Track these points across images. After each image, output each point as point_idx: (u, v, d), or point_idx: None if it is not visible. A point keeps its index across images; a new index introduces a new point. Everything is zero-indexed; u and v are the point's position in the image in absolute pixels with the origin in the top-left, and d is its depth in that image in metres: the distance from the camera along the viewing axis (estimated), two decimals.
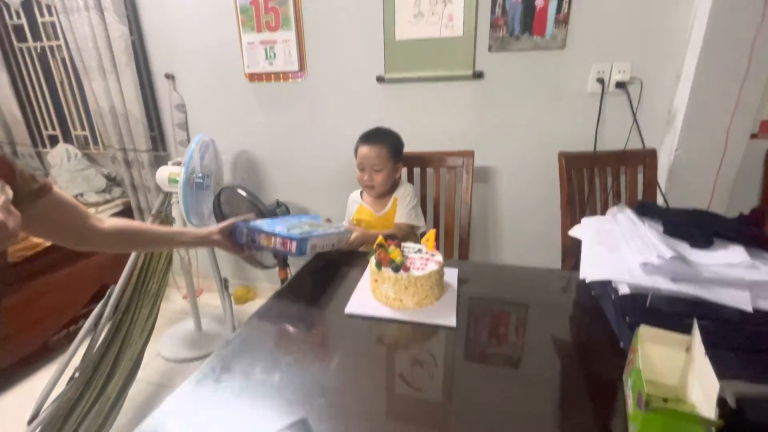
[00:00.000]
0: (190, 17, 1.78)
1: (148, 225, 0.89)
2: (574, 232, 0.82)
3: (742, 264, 0.59)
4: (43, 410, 1.38)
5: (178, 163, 1.67)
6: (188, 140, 1.97)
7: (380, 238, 0.86)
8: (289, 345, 0.73)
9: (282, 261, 1.75)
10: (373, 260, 0.82)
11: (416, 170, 1.48)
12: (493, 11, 1.43)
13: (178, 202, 1.66)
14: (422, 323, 0.75)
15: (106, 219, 0.79)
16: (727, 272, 0.59)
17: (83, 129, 2.22)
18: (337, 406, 0.58)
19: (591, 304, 0.79)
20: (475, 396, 0.59)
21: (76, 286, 1.88)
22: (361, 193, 1.35)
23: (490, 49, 1.49)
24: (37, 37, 2.07)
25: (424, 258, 0.83)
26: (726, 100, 1.30)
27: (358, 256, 1.06)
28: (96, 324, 1.58)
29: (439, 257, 0.84)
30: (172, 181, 1.64)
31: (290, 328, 0.78)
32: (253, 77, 1.80)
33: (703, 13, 1.25)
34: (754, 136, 1.39)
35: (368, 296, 0.83)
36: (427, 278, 0.78)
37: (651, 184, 1.38)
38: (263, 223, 0.94)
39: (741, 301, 0.56)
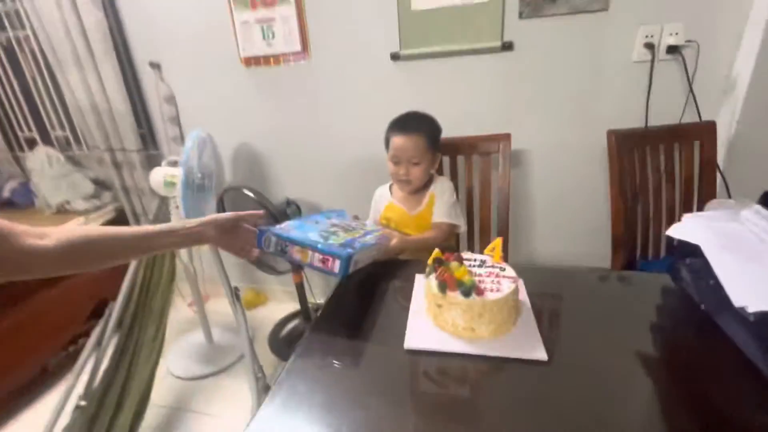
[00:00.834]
0: None
1: (114, 230, 0.65)
2: (677, 232, 0.67)
3: None
4: None
5: (173, 163, 1.49)
6: (181, 136, 1.78)
7: (437, 251, 0.71)
8: (345, 397, 0.59)
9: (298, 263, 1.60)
10: (432, 280, 0.67)
11: (445, 159, 1.32)
12: None
13: (177, 207, 1.49)
14: (505, 358, 0.61)
15: (53, 232, 0.58)
16: None
17: (63, 129, 2.01)
18: None
19: (701, 323, 0.66)
20: None
21: (70, 305, 1.72)
22: (390, 187, 1.19)
23: (520, 15, 1.30)
24: None
25: (493, 274, 0.68)
26: None
27: (399, 267, 0.91)
28: (99, 343, 1.43)
29: (510, 271, 0.69)
30: (169, 184, 1.46)
31: (341, 372, 0.63)
32: (250, 61, 1.60)
33: None
34: None
35: (428, 324, 0.69)
36: (505, 302, 0.63)
37: (709, 162, 1.23)
38: (292, 229, 0.78)
39: None
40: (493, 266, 0.71)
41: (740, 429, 0.50)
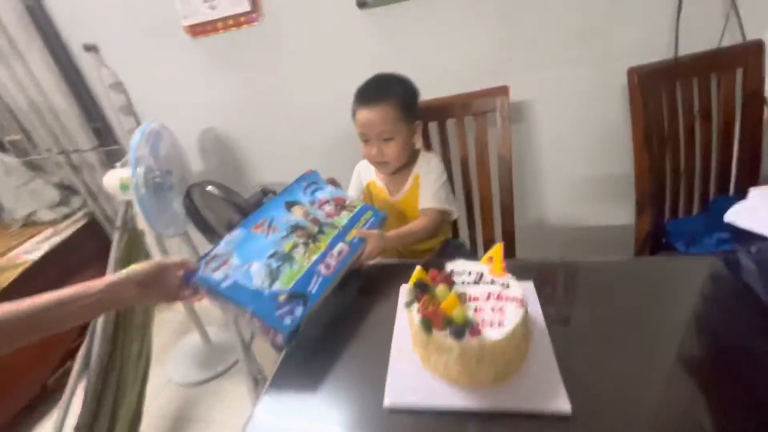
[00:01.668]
0: None
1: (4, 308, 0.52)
2: (740, 216, 0.49)
3: None
4: None
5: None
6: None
7: (418, 271, 0.54)
8: None
9: None
10: (414, 312, 0.52)
11: (431, 126, 1.11)
12: None
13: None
14: (515, 412, 0.46)
15: None
16: None
17: (15, 132, 1.82)
18: None
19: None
20: None
21: None
22: None
23: None
24: None
25: (493, 295, 0.52)
26: None
27: (379, 278, 0.75)
28: (86, 365, 1.35)
29: (516, 288, 0.53)
30: (125, 187, 1.29)
31: None
32: (196, 31, 1.36)
33: None
34: None
35: (414, 365, 0.54)
36: (511, 338, 0.47)
37: (755, 94, 1.00)
38: (230, 259, 0.63)
39: None
40: (493, 281, 0.55)
41: None
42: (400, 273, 0.69)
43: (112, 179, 1.32)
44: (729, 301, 0.57)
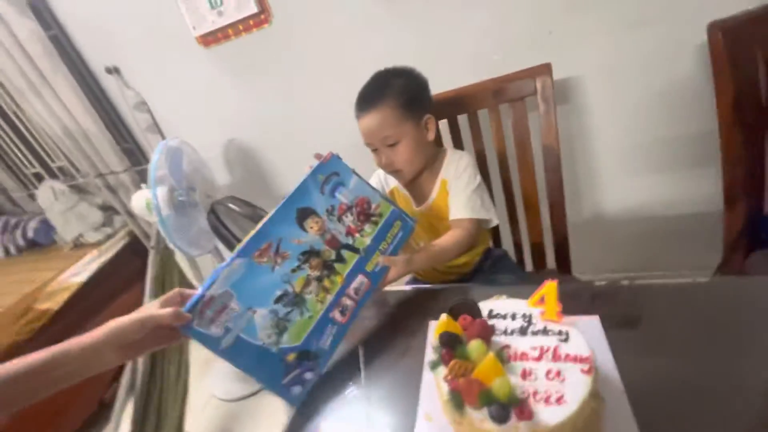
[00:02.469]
0: None
1: (8, 366, 0.48)
2: None
3: None
4: None
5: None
6: None
7: (443, 319, 0.42)
8: None
9: None
10: (441, 380, 0.40)
11: (460, 119, 0.97)
12: None
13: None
14: None
15: None
16: None
17: (60, 159, 1.90)
18: None
19: None
20: None
21: None
22: None
23: None
24: None
25: (547, 351, 0.39)
26: None
27: (405, 313, 0.64)
28: (132, 387, 1.38)
29: (579, 343, 0.39)
30: (150, 208, 1.28)
31: None
32: (208, 40, 1.30)
33: None
34: None
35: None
36: (577, 418, 0.34)
37: None
38: (228, 303, 0.54)
39: None
40: (546, 330, 0.41)
41: None
42: (428, 307, 0.58)
43: (139, 201, 1.31)
44: None
